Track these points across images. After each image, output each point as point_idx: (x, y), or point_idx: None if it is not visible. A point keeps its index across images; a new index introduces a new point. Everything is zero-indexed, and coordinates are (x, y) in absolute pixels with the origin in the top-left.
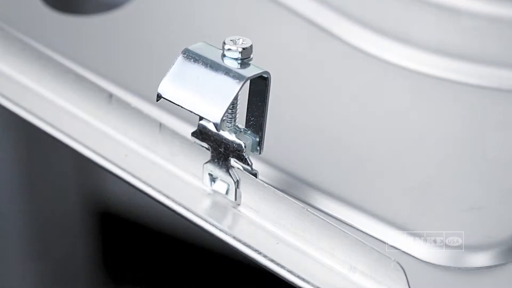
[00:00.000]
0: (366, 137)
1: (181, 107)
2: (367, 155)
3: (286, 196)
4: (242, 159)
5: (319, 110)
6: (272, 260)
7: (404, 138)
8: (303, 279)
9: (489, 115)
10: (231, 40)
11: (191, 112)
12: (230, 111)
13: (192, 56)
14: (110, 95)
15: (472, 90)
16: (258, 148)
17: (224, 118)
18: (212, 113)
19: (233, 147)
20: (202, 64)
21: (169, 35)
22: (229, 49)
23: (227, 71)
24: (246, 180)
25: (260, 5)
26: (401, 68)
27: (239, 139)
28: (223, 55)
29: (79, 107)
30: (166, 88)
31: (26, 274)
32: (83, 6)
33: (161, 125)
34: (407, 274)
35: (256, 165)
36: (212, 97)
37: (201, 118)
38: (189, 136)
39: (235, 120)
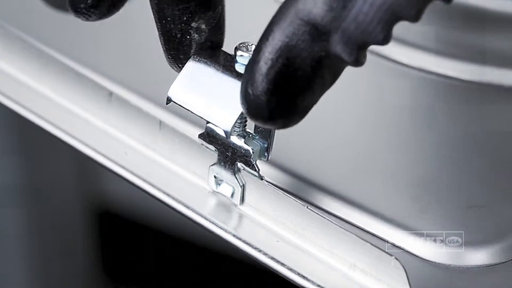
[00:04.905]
0: (366, 134)
1: (191, 112)
2: (367, 153)
3: (286, 194)
4: (249, 164)
5: (320, 107)
6: (272, 258)
7: (404, 136)
8: (303, 277)
9: (489, 112)
10: (242, 46)
11: (201, 118)
12: (239, 116)
13: (203, 60)
14: (110, 93)
15: (472, 87)
16: (265, 154)
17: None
18: (223, 120)
19: (241, 152)
20: (213, 69)
21: None
22: (241, 55)
23: (239, 78)
24: (246, 178)
25: (263, 6)
26: (402, 66)
27: (247, 145)
28: (235, 61)
29: (79, 105)
30: (176, 91)
31: (26, 273)
32: None
33: (161, 123)
34: (407, 272)
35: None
36: (223, 104)
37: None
38: (189, 134)
39: (244, 125)
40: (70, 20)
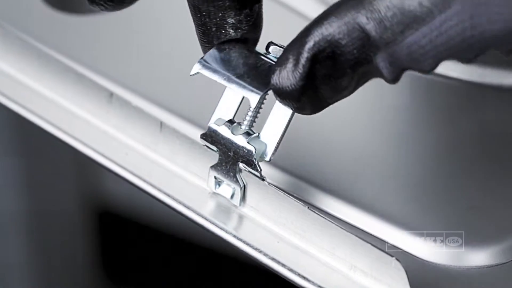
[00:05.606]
0: (366, 135)
1: (217, 81)
2: (367, 154)
3: (286, 194)
4: (251, 164)
5: None
6: (272, 259)
7: (404, 137)
8: (303, 278)
9: (489, 113)
10: (275, 43)
11: (228, 87)
12: (250, 114)
13: (231, 46)
14: (111, 94)
15: (472, 88)
16: (268, 154)
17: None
18: (251, 90)
19: (243, 152)
20: (242, 50)
21: (170, 34)
22: (273, 50)
23: (269, 62)
24: (246, 178)
25: (265, 7)
26: None
27: (251, 144)
28: (267, 53)
29: (79, 105)
30: (201, 66)
31: (26, 272)
32: (83, 5)
33: (162, 124)
34: (407, 272)
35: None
36: (252, 77)
37: (211, 121)
38: (190, 135)
39: (251, 125)
40: (70, 20)
